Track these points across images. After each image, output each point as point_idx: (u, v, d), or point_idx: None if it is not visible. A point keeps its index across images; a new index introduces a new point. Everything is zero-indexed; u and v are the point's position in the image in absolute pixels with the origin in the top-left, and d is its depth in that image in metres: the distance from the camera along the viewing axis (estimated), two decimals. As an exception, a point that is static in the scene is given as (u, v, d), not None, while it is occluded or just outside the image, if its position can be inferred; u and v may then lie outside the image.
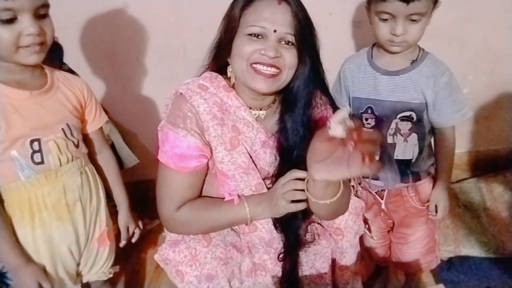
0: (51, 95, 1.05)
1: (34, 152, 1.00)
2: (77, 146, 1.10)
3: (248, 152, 1.02)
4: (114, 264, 1.28)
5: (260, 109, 1.05)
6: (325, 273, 1.10)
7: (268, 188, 1.04)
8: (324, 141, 0.77)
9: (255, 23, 0.93)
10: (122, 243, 1.31)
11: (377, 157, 0.75)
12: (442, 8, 1.15)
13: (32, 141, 1.00)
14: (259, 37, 0.93)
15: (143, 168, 1.76)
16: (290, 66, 0.95)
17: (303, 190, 0.94)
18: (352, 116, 0.78)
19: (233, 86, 1.04)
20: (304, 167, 0.95)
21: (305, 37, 0.95)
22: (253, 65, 0.94)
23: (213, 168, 1.04)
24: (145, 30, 1.77)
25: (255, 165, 1.03)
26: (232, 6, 0.98)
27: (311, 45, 0.98)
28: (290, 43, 0.94)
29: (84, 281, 1.21)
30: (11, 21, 0.90)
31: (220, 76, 1.04)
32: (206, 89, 1.00)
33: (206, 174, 1.06)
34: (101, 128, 1.25)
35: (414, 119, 1.21)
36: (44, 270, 1.07)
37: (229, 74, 1.03)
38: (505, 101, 1.98)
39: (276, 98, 1.07)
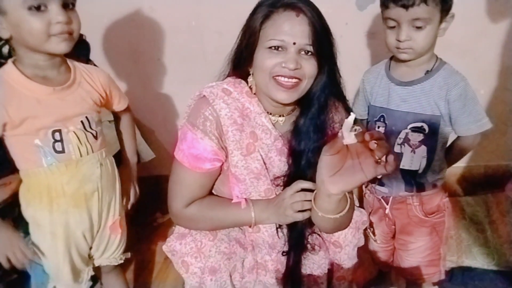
0: (73, 90, 1.10)
1: (55, 141, 1.07)
2: (95, 137, 1.15)
3: (262, 159, 1.04)
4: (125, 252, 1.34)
5: (280, 116, 1.07)
6: (322, 282, 1.12)
7: (277, 186, 1.07)
8: (333, 153, 0.78)
9: (274, 36, 0.94)
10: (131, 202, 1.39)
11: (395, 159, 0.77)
12: (456, 22, 1.16)
13: (53, 132, 1.06)
14: (279, 49, 0.95)
15: (158, 164, 1.83)
16: (310, 76, 0.98)
17: (310, 201, 0.96)
18: (357, 121, 0.81)
19: (254, 93, 1.06)
20: (312, 172, 0.96)
21: (323, 47, 0.97)
22: (275, 77, 0.96)
23: (228, 170, 1.06)
24: (168, 32, 1.85)
25: (267, 171, 1.05)
26: (251, 19, 0.99)
27: (329, 54, 1.00)
28: (309, 53, 0.95)
29: (96, 264, 1.27)
30: (40, 9, 0.95)
31: (243, 81, 1.05)
32: (229, 93, 1.02)
33: (219, 175, 1.09)
34: (127, 107, 1.33)
35: (426, 131, 1.21)
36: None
37: (249, 84, 1.05)
38: (515, 117, 1.99)
39: (297, 106, 1.08)
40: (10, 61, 1.04)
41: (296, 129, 1.04)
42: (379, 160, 0.74)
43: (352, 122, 0.76)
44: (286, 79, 0.95)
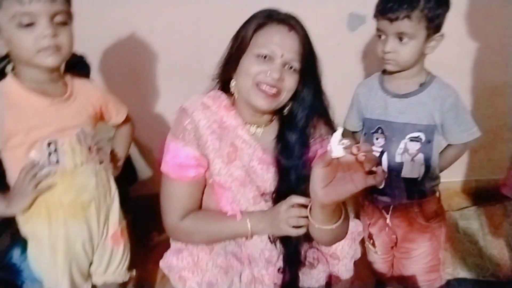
0: (69, 103, 1.12)
1: (50, 153, 1.07)
2: (90, 150, 1.16)
3: (245, 167, 1.06)
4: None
5: (258, 127, 1.10)
6: None
7: (265, 202, 1.08)
8: (325, 166, 0.80)
9: (264, 45, 1.00)
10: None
11: (384, 170, 0.79)
12: (445, 42, 1.22)
13: (49, 143, 1.07)
14: (266, 58, 1.00)
15: (156, 182, 1.84)
16: (289, 89, 1.03)
17: (306, 217, 0.97)
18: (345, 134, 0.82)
19: (233, 102, 1.09)
20: (301, 187, 1.00)
21: (308, 65, 1.03)
22: (258, 85, 1.01)
23: (210, 179, 1.08)
24: (166, 52, 1.89)
25: (251, 179, 1.07)
26: (244, 27, 1.04)
27: (314, 73, 1.06)
28: (292, 69, 1.01)
29: (101, 282, 1.26)
30: (30, 25, 0.96)
31: (224, 94, 1.09)
32: (207, 107, 1.06)
33: (205, 186, 1.11)
34: (126, 118, 1.35)
35: (422, 140, 1.26)
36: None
37: (232, 90, 1.09)
38: (504, 132, 2.07)
39: (274, 118, 1.12)
40: (9, 74, 1.06)
41: (282, 147, 1.07)
42: (369, 171, 0.76)
43: (339, 136, 0.77)
44: (268, 87, 1.00)
